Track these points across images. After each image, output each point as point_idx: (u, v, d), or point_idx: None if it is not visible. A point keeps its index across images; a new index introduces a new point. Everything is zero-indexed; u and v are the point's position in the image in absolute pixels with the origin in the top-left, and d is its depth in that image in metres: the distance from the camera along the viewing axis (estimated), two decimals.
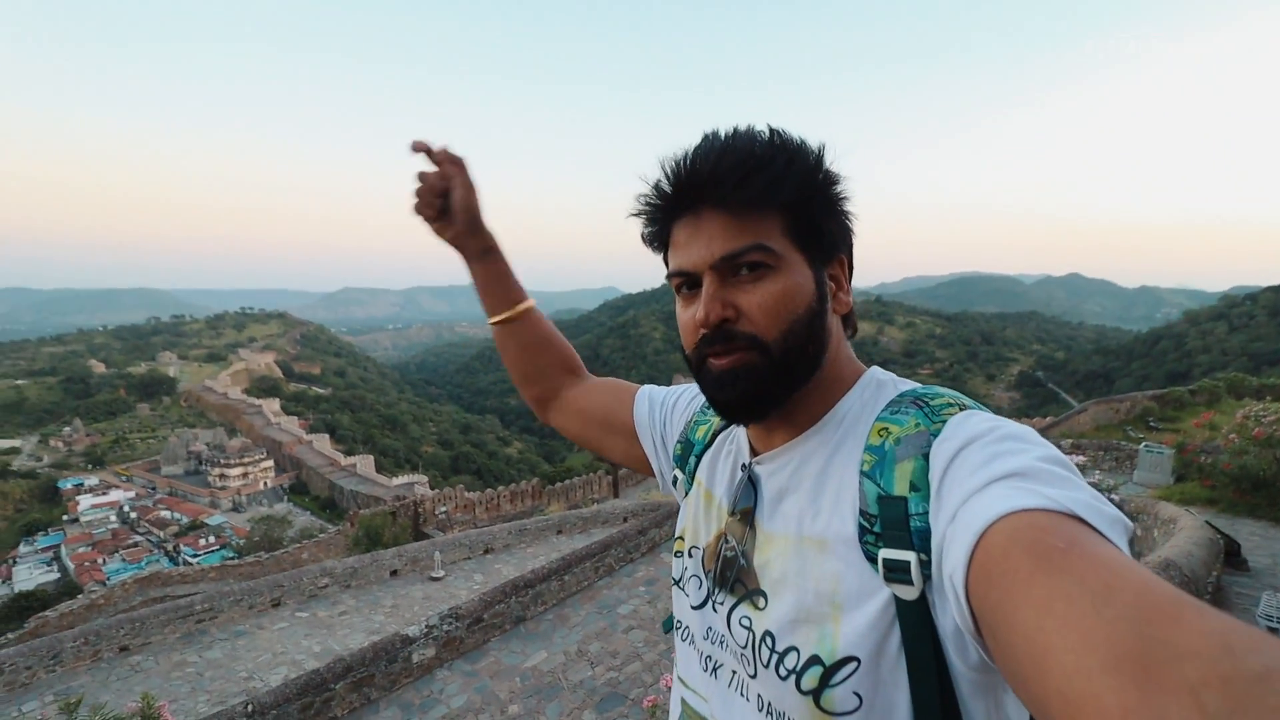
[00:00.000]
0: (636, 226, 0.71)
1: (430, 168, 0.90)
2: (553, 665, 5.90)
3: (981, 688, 0.52)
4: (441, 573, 11.22)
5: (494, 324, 1.01)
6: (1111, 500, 5.13)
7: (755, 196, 0.59)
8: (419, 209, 0.91)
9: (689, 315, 0.64)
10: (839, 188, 0.64)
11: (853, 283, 0.68)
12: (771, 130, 0.62)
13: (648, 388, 0.96)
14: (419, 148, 0.88)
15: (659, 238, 0.68)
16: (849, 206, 0.66)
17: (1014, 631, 0.39)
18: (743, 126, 0.63)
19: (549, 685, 5.54)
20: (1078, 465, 6.51)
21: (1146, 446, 11.67)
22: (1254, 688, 0.27)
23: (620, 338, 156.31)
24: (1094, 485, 6.17)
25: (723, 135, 0.62)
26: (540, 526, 13.66)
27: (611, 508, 15.11)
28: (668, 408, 0.91)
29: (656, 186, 0.65)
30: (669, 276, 0.67)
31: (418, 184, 0.89)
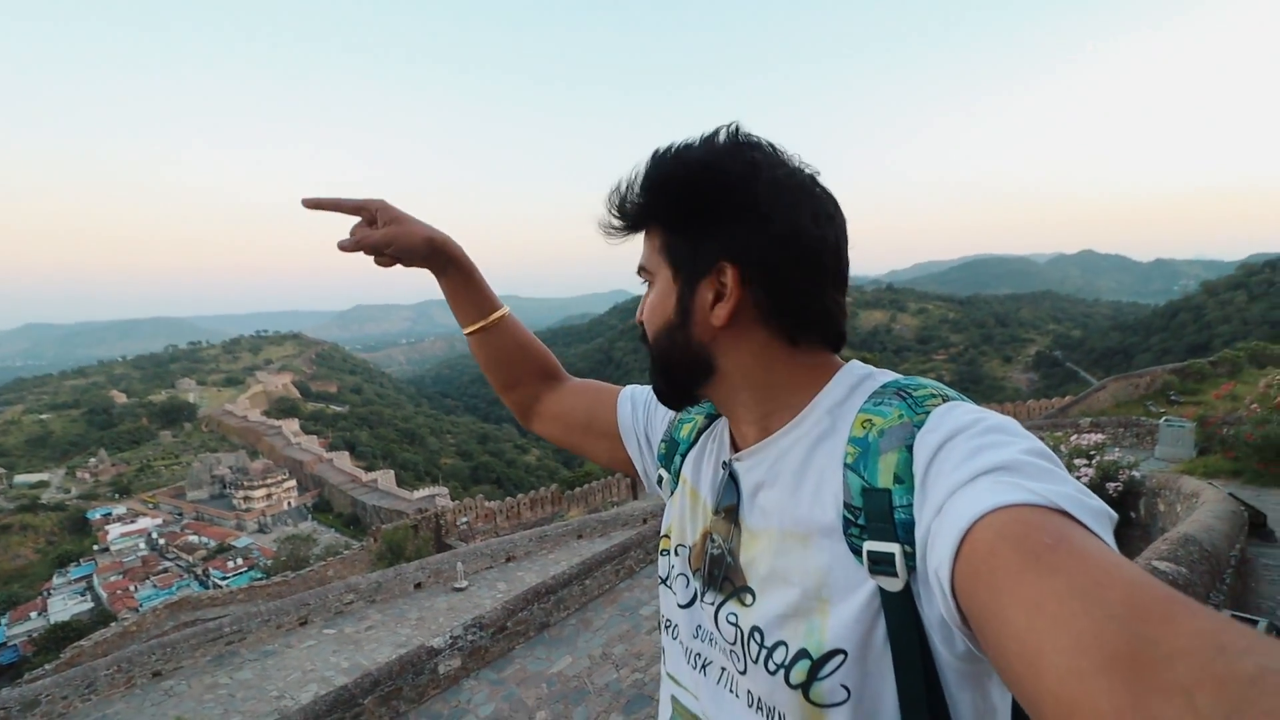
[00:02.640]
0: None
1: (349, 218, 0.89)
2: (578, 670, 5.92)
3: (968, 677, 0.53)
4: (465, 583, 11.30)
5: (469, 334, 0.99)
6: (1134, 477, 5.02)
7: (632, 219, 0.68)
8: (379, 263, 0.90)
9: None
10: (739, 195, 0.60)
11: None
12: (661, 150, 0.65)
13: (630, 388, 0.96)
14: (310, 205, 0.85)
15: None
16: (759, 211, 0.60)
17: (1005, 632, 0.39)
18: (662, 146, 0.65)
19: (575, 690, 5.56)
20: (1097, 443, 6.45)
21: (1167, 421, 11.49)
22: (1248, 689, 0.27)
23: (632, 339, 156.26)
24: (1113, 462, 6.08)
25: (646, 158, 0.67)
26: (561, 532, 13.72)
27: (631, 510, 15.15)
28: (650, 406, 0.91)
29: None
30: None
31: (359, 246, 0.87)
